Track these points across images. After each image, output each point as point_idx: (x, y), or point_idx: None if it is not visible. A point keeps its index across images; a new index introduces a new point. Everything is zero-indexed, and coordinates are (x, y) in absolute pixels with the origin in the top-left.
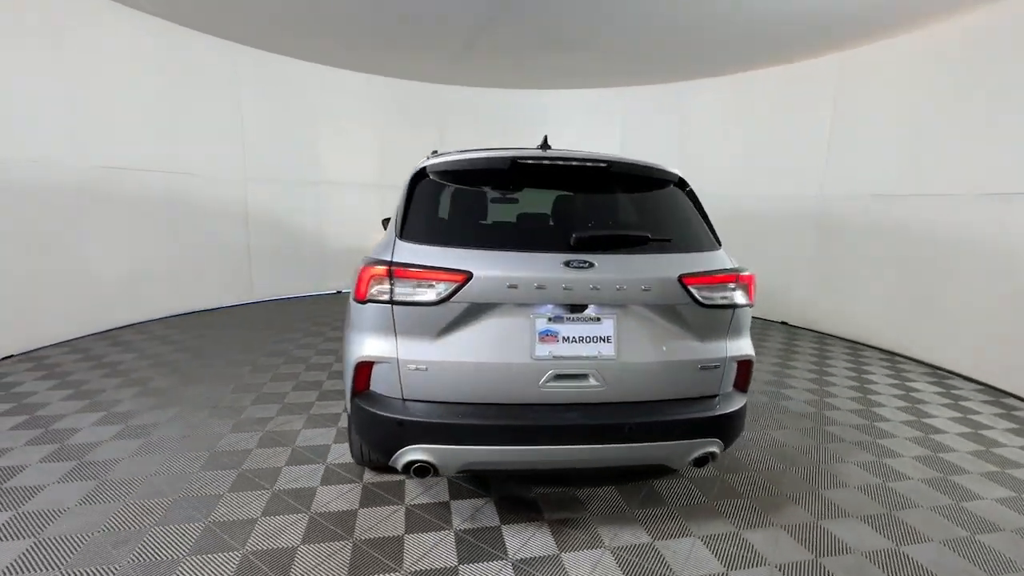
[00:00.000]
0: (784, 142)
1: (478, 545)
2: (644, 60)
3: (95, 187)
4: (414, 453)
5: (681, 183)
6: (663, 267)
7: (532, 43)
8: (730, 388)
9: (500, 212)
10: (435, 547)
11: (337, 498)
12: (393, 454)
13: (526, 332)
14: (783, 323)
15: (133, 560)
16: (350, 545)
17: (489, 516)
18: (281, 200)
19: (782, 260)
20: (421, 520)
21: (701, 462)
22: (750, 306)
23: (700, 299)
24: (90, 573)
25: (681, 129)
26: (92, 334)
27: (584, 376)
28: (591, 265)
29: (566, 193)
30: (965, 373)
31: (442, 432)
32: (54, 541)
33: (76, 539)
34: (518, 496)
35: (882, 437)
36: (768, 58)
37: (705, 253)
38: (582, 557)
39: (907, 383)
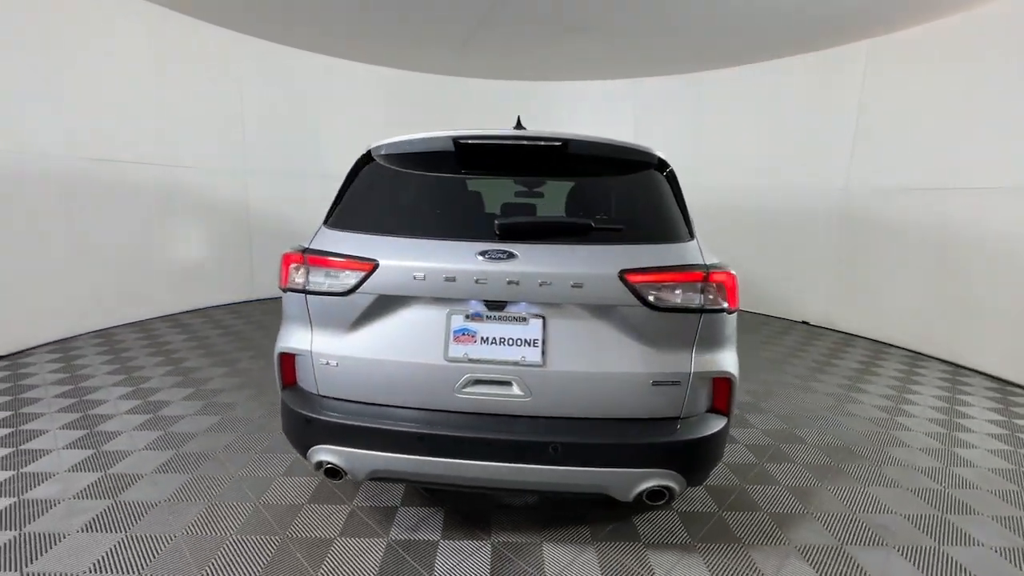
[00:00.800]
0: (807, 134)
1: (404, 558)
2: (658, 49)
3: (87, 180)
4: (323, 453)
5: (661, 165)
6: (601, 260)
7: (541, 29)
8: (702, 410)
9: (444, 198)
10: (360, 554)
11: (290, 491)
12: (306, 452)
13: (440, 330)
14: (804, 323)
15: (186, 532)
16: (278, 541)
17: (432, 528)
18: (283, 193)
19: (804, 256)
20: (360, 524)
21: (656, 497)
22: (726, 311)
23: (650, 300)
24: (148, 537)
25: (697, 121)
26: (88, 332)
27: (507, 383)
28: (511, 256)
29: (519, 177)
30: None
31: (350, 434)
32: (126, 505)
33: (144, 504)
34: (474, 510)
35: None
36: (791, 46)
37: (667, 245)
38: None
39: (961, 392)
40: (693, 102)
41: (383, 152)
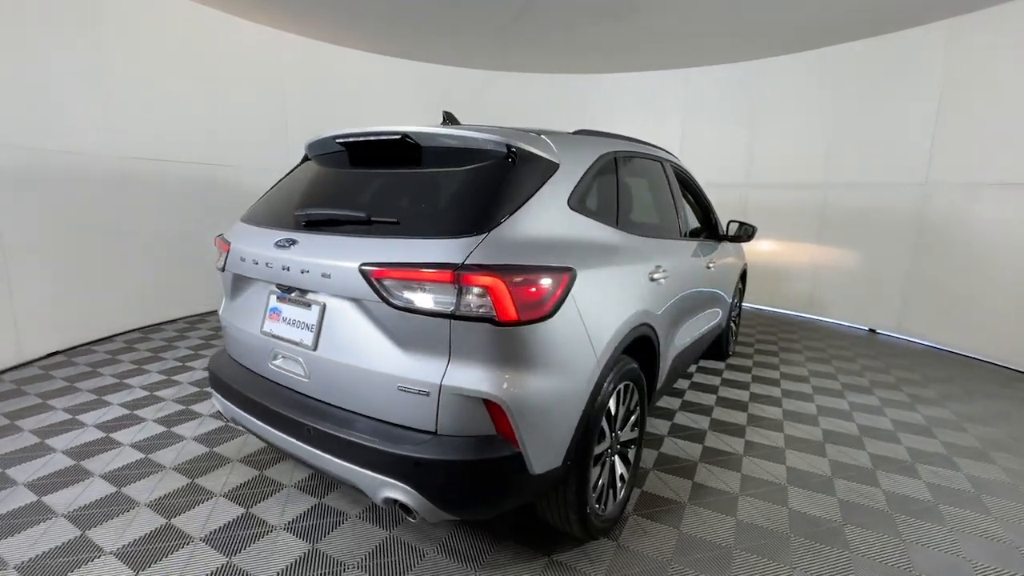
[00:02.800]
0: (879, 125)
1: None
2: (708, 36)
3: (129, 178)
4: (215, 399)
5: (514, 154)
6: (349, 252)
7: (580, 17)
8: (482, 432)
9: (312, 191)
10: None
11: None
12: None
13: (262, 307)
14: (871, 331)
15: None
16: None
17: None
18: None
19: (873, 259)
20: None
21: (406, 509)
22: (495, 321)
23: (389, 297)
24: None
25: (752, 114)
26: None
27: (295, 361)
28: (293, 244)
29: (371, 170)
30: None
31: (221, 386)
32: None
33: None
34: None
35: None
36: (858, 29)
37: (430, 240)
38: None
39: None
40: (747, 94)
41: (305, 152)
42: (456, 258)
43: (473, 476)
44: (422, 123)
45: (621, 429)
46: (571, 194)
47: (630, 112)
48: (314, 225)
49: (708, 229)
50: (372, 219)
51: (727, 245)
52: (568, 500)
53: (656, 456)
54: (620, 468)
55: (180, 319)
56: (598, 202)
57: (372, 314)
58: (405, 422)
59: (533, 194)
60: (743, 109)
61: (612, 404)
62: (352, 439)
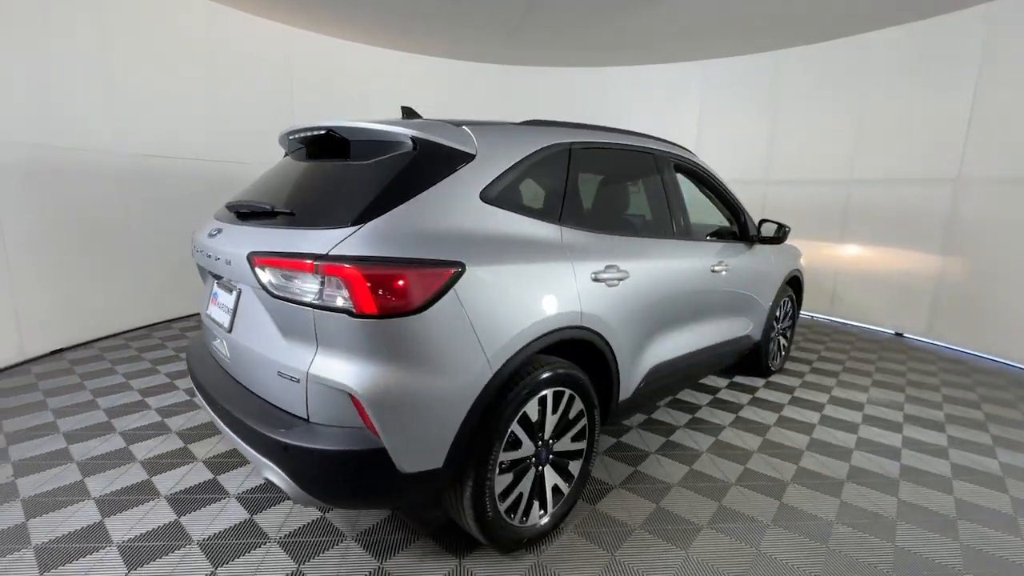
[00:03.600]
0: (908, 117)
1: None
2: (727, 25)
3: (138, 175)
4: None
5: (417, 145)
6: (247, 241)
7: (596, 5)
8: (357, 423)
9: (268, 184)
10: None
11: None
12: None
13: (209, 292)
14: (897, 335)
15: None
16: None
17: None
18: None
19: (902, 259)
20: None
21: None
22: (352, 313)
23: (267, 286)
24: None
25: (773, 107)
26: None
27: (222, 343)
28: (219, 233)
29: (316, 163)
30: None
31: (189, 369)
32: None
33: None
34: None
35: None
36: (885, 17)
37: (309, 230)
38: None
39: None
40: (768, 86)
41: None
42: (321, 248)
43: (335, 466)
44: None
45: (556, 438)
46: (487, 186)
47: (646, 105)
48: (242, 216)
49: (738, 230)
50: (275, 210)
51: (761, 248)
52: (464, 503)
53: (630, 473)
54: (555, 480)
55: (191, 315)
56: (532, 195)
57: (262, 300)
58: (285, 407)
59: (431, 186)
60: (763, 102)
61: (532, 410)
62: (242, 418)
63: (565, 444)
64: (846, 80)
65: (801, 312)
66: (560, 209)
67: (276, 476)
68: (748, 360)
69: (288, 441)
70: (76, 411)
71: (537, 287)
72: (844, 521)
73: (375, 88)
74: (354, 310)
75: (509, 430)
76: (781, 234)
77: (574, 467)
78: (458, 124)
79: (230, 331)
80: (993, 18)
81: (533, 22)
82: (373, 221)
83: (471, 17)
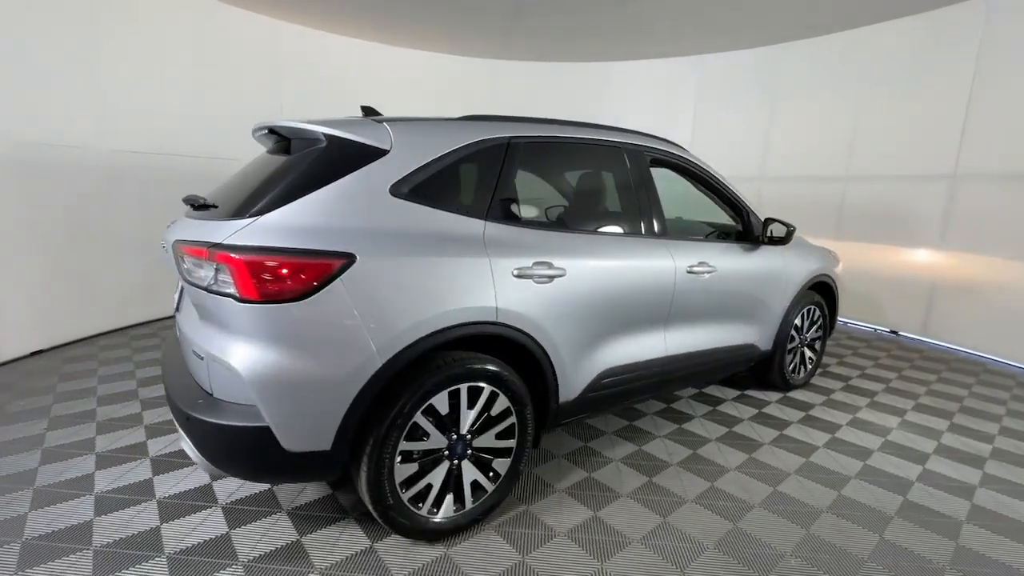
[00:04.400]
0: (905, 112)
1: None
2: (724, 20)
3: (122, 172)
4: None
5: (331, 141)
6: (180, 230)
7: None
8: (244, 399)
9: (232, 176)
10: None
11: None
12: None
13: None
14: (893, 332)
15: None
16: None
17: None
18: None
19: (897, 255)
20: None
21: None
22: (235, 297)
23: (183, 272)
24: None
25: (769, 102)
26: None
27: (177, 321)
28: (173, 223)
29: (271, 158)
30: None
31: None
32: None
33: None
34: None
35: None
36: (887, 10)
37: (223, 221)
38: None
39: None
40: (764, 81)
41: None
42: (217, 237)
43: (227, 438)
44: (433, 114)
45: (477, 434)
46: (399, 181)
47: (643, 101)
48: (196, 208)
49: (741, 230)
50: (207, 203)
51: (770, 250)
52: (361, 487)
53: (582, 479)
54: (476, 475)
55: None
56: (456, 190)
57: (184, 284)
58: (200, 383)
59: (337, 179)
60: (759, 98)
61: (441, 403)
62: (169, 391)
63: (488, 441)
64: (842, 75)
65: (847, 322)
66: (488, 204)
67: (185, 444)
68: (762, 372)
69: (190, 412)
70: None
71: (440, 281)
72: (800, 554)
73: (366, 83)
74: (238, 295)
75: (411, 421)
76: (784, 235)
77: (501, 464)
78: (380, 121)
79: (178, 310)
80: (990, 12)
81: (528, 16)
82: (272, 213)
83: (465, 10)
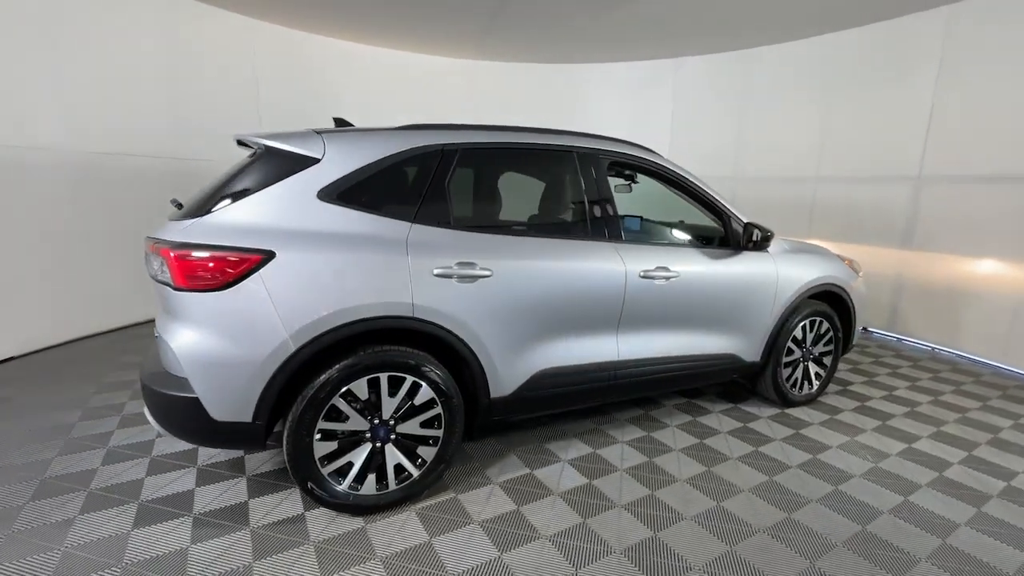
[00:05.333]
0: (872, 116)
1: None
2: (700, 24)
3: (95, 174)
4: None
5: (269, 151)
6: (155, 230)
7: (573, 2)
8: (183, 374)
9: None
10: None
11: None
12: None
13: None
14: (864, 329)
15: None
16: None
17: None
18: None
19: (865, 252)
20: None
21: None
22: (171, 286)
23: (148, 266)
24: None
25: (743, 104)
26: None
27: None
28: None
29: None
30: None
31: None
32: None
33: None
34: None
35: None
36: (856, 16)
37: (177, 222)
38: None
39: None
40: (738, 84)
41: None
42: (165, 235)
43: (168, 405)
44: (411, 115)
45: (400, 421)
46: (327, 186)
47: (620, 101)
48: (177, 209)
49: (722, 233)
50: (179, 204)
51: (756, 256)
52: (287, 461)
53: (522, 475)
54: (399, 459)
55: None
56: (382, 194)
57: None
58: (158, 358)
59: (270, 185)
60: (734, 100)
61: (360, 389)
62: (141, 368)
63: (412, 428)
64: (813, 79)
65: (874, 332)
66: (417, 207)
67: (145, 409)
68: (754, 385)
69: (144, 382)
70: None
71: (354, 277)
72: (711, 570)
73: (344, 82)
74: (173, 284)
75: (329, 403)
76: (759, 239)
77: (430, 452)
78: (319, 132)
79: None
80: (952, 20)
81: (507, 17)
82: (211, 214)
83: (444, 11)
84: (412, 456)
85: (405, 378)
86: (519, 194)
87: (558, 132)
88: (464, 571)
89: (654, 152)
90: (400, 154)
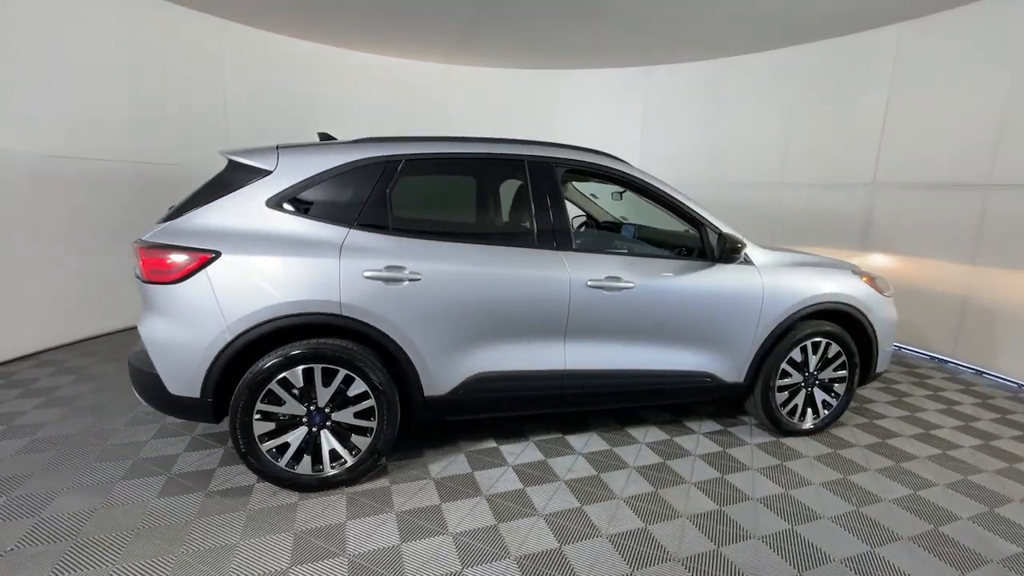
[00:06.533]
0: (831, 125)
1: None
2: (671, 35)
3: (49, 179)
4: None
5: (233, 164)
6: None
7: (546, 15)
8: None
9: None
10: None
11: None
12: None
13: None
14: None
15: None
16: None
17: None
18: None
19: (833, 254)
20: None
21: None
22: (140, 279)
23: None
24: None
25: (711, 112)
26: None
27: None
28: None
29: None
30: None
31: None
32: None
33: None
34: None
35: None
36: (817, 31)
37: (168, 222)
38: None
39: None
40: (706, 92)
41: None
42: (144, 236)
43: (138, 378)
44: (385, 119)
45: (336, 409)
46: (275, 195)
47: (594, 107)
48: None
49: (700, 244)
50: (170, 208)
51: (732, 268)
52: (231, 435)
53: (462, 474)
54: (334, 445)
55: (114, 332)
56: (326, 202)
57: None
58: None
59: (226, 194)
60: (702, 108)
61: (296, 377)
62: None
63: (346, 417)
64: (775, 90)
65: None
66: (358, 214)
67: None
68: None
69: (129, 359)
70: None
71: (288, 276)
72: None
73: (318, 87)
74: (141, 276)
75: (266, 388)
76: (729, 250)
77: (363, 441)
78: (279, 147)
79: None
80: (902, 38)
81: (485, 24)
82: (181, 217)
83: (422, 16)
84: (347, 443)
85: (338, 370)
86: (463, 202)
87: (508, 141)
88: (361, 553)
89: (619, 159)
90: (345, 166)
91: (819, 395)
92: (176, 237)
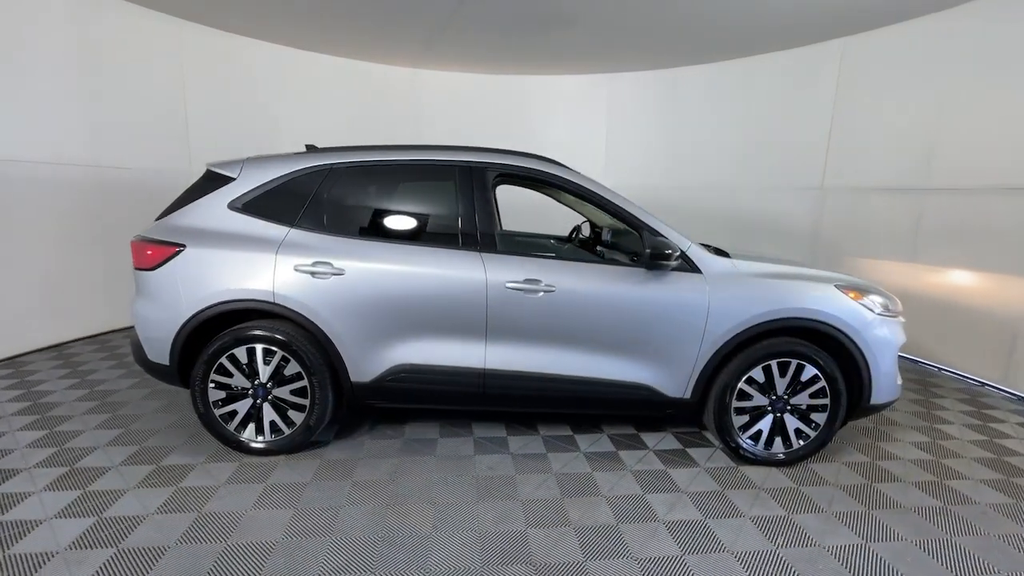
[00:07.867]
0: (782, 132)
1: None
2: (632, 44)
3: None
4: None
5: (208, 173)
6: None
7: (513, 22)
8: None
9: None
10: None
11: None
12: None
13: None
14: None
15: None
16: None
17: None
18: None
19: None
20: None
21: None
22: (134, 267)
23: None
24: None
25: (671, 118)
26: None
27: None
28: None
29: None
30: None
31: None
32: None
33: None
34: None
35: None
36: (767, 43)
37: (157, 221)
38: None
39: None
40: (667, 99)
41: None
42: (140, 232)
43: (133, 348)
44: (352, 123)
45: (275, 385)
46: (235, 199)
47: (559, 113)
48: None
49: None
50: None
51: (676, 276)
52: (190, 399)
53: (391, 466)
54: (273, 417)
55: (66, 343)
56: (275, 205)
57: None
58: None
59: (200, 198)
60: (663, 114)
61: (241, 355)
62: None
63: (283, 393)
64: (732, 98)
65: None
66: (298, 215)
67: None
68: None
69: (130, 334)
70: None
71: (233, 267)
72: None
73: (281, 90)
74: (134, 266)
75: (217, 361)
76: (653, 254)
77: (298, 416)
78: (244, 160)
79: None
80: (845, 51)
81: (451, 32)
82: (164, 218)
83: (390, 18)
84: (284, 417)
85: (275, 351)
86: (393, 206)
87: (443, 148)
88: (220, 512)
89: (554, 162)
90: (294, 172)
91: (791, 422)
92: (157, 233)
